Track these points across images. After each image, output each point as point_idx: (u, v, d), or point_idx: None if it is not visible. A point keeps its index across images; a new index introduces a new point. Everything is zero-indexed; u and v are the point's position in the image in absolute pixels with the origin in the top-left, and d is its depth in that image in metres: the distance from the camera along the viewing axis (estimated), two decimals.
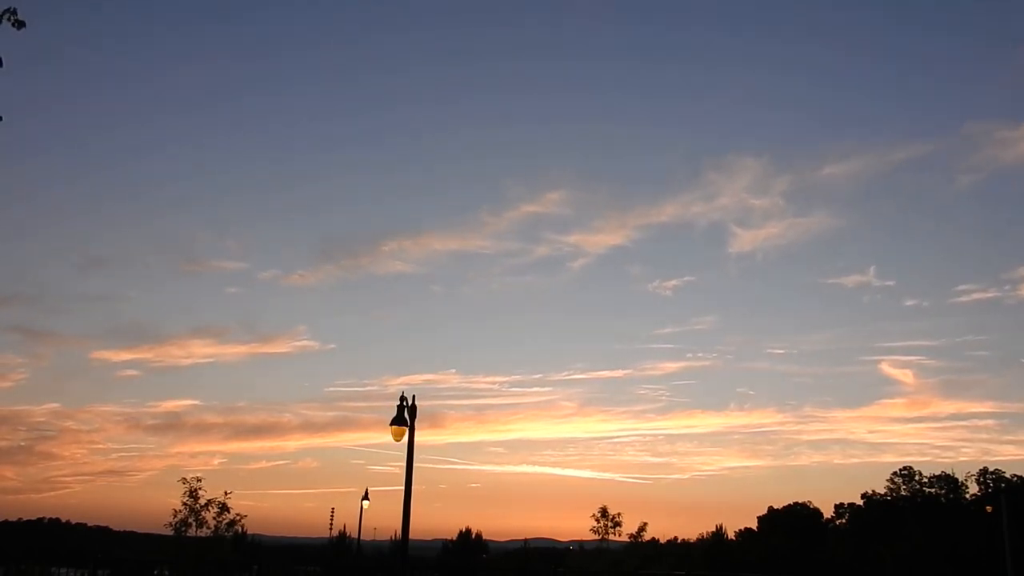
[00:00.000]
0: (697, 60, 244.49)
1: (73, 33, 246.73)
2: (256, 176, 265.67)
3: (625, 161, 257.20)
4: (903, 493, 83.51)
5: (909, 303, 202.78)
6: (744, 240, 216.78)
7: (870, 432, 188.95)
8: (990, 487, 78.36)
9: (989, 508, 64.74)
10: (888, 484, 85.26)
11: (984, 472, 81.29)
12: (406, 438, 23.25)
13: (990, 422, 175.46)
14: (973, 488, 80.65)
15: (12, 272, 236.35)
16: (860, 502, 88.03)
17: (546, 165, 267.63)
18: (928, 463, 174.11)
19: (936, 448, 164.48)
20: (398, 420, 22.91)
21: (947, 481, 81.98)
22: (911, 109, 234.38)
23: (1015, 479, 78.97)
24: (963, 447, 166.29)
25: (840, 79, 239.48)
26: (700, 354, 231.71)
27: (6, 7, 7.39)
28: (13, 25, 7.38)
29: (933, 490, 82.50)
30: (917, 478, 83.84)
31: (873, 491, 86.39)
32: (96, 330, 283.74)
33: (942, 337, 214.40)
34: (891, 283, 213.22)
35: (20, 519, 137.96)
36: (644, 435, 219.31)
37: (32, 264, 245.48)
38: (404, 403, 23.13)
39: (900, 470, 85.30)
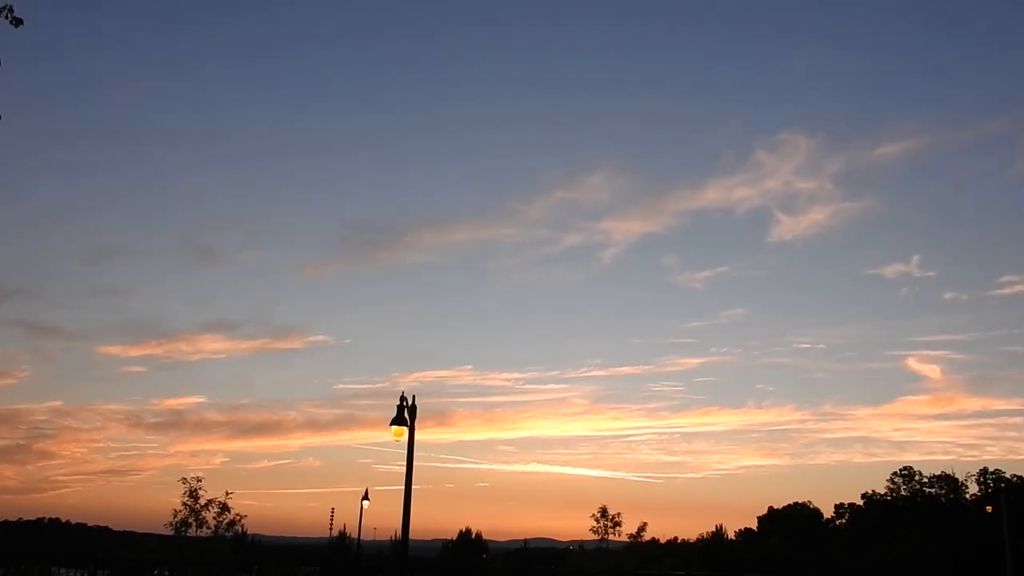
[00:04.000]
0: (753, 34, 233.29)
1: (85, 32, 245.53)
2: (271, 168, 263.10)
3: (670, 143, 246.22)
4: (903, 493, 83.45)
5: (948, 296, 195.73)
6: (786, 227, 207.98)
7: (895, 430, 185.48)
8: (990, 487, 78.27)
9: (989, 508, 64.69)
10: (888, 484, 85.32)
11: (984, 472, 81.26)
12: (407, 437, 23.24)
13: (1020, 419, 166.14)
14: (973, 488, 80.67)
15: (16, 265, 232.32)
16: (860, 502, 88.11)
17: (585, 148, 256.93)
18: (951, 462, 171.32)
19: (960, 447, 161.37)
20: (398, 420, 22.87)
21: (947, 481, 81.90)
22: (980, 84, 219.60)
23: (1015, 479, 78.90)
24: (988, 445, 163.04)
25: (904, 54, 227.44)
26: (724, 349, 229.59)
27: (2, 4, 7.37)
28: (11, 22, 7.36)
29: (933, 490, 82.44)
30: (917, 478, 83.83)
31: (873, 491, 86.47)
32: (103, 325, 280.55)
33: (976, 331, 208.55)
34: (932, 274, 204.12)
35: (20, 519, 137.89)
36: (660, 433, 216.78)
37: (37, 257, 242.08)
38: (404, 403, 23.10)
39: (900, 470, 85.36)
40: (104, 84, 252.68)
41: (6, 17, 7.35)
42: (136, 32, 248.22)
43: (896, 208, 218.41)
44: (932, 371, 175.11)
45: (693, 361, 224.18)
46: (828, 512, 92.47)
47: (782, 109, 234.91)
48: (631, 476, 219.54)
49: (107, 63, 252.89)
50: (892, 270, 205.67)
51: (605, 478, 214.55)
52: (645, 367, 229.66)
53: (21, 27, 7.43)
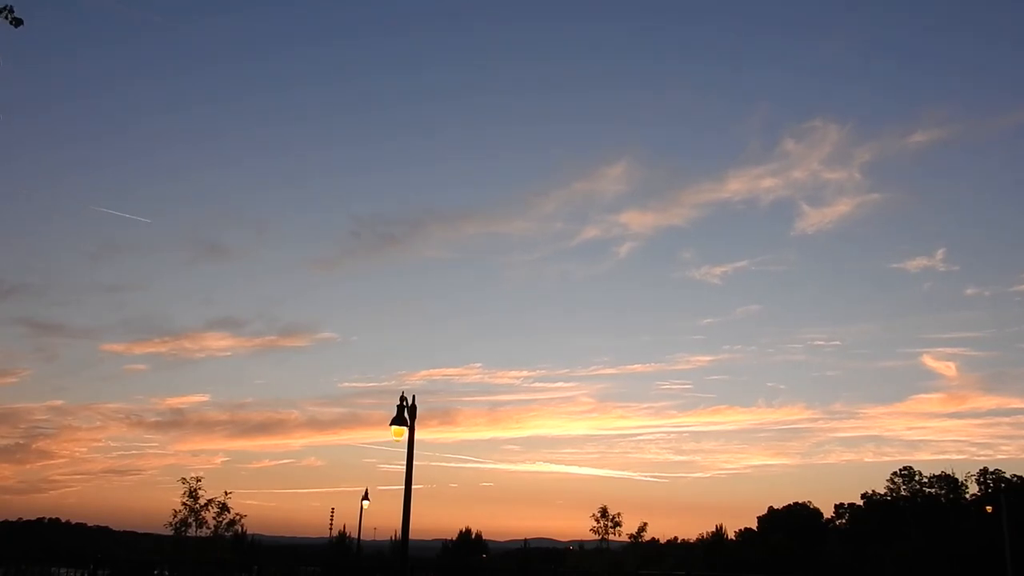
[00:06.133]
0: (785, 20, 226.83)
1: (92, 28, 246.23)
2: (280, 165, 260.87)
3: (693, 133, 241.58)
4: (903, 493, 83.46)
5: (969, 291, 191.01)
6: (811, 219, 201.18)
7: (908, 429, 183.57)
8: (990, 487, 78.29)
9: (989, 508, 64.70)
10: (888, 484, 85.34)
11: (984, 472, 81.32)
12: (407, 437, 23.24)
13: None
14: (973, 488, 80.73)
15: (19, 262, 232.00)
16: (860, 502, 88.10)
17: (604, 139, 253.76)
18: (964, 461, 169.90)
19: (974, 445, 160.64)
20: (398, 420, 22.86)
21: (947, 481, 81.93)
22: (1011, 77, 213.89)
23: (1015, 479, 78.92)
24: (1003, 444, 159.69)
25: (937, 43, 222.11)
26: (737, 346, 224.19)
27: (2, 5, 7.37)
28: (11, 23, 7.36)
29: (933, 490, 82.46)
30: (917, 478, 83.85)
31: (873, 491, 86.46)
32: (106, 322, 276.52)
33: (994, 328, 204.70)
34: (956, 268, 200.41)
35: (20, 519, 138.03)
36: (668, 432, 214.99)
37: (40, 253, 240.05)
38: (404, 403, 23.10)
39: (900, 470, 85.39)
40: (110, 80, 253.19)
41: (6, 18, 7.35)
42: (144, 27, 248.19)
43: (922, 200, 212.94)
44: (947, 368, 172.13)
45: (704, 358, 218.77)
46: (829, 512, 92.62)
47: (812, 97, 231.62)
48: (637, 476, 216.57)
49: (113, 59, 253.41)
50: (915, 264, 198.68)
51: (611, 477, 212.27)
52: (656, 365, 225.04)
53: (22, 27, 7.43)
